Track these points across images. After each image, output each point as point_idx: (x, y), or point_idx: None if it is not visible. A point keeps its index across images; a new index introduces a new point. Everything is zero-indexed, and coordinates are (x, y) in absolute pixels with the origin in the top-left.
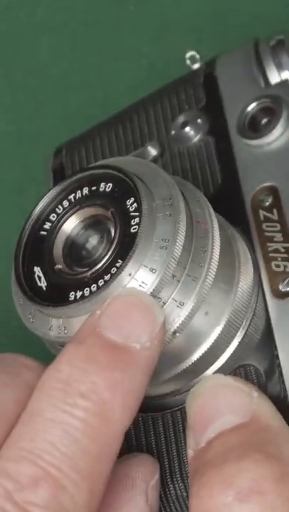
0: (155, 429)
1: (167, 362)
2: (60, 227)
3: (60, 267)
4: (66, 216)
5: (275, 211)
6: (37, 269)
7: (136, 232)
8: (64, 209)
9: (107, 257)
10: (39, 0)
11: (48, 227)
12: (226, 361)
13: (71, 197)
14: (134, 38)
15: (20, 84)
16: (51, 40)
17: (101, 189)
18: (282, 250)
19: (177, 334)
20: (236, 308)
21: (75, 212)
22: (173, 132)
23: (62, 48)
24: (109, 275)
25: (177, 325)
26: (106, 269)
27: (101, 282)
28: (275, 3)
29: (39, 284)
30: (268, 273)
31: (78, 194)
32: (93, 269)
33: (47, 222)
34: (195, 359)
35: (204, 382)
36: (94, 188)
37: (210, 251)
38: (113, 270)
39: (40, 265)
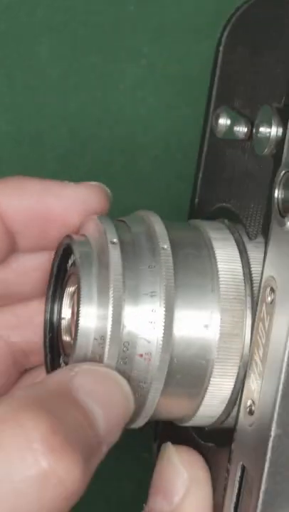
0: None
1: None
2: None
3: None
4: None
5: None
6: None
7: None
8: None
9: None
10: (39, 0)
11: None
12: None
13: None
14: (134, 38)
15: (20, 84)
16: (51, 40)
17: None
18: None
19: None
20: None
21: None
22: None
23: (62, 47)
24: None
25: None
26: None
27: None
28: None
29: None
30: None
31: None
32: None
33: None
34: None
35: (161, 450)
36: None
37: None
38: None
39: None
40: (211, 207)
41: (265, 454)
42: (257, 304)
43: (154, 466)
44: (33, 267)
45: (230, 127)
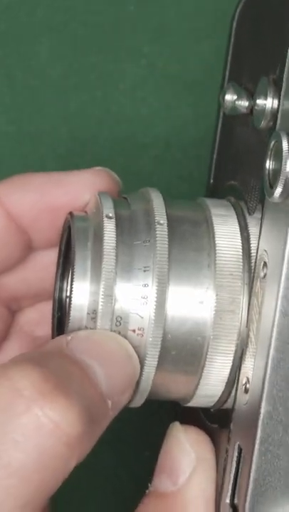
0: None
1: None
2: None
3: None
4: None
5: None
6: None
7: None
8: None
9: None
10: (39, 0)
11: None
12: None
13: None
14: (134, 38)
15: (20, 84)
16: (51, 40)
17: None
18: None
19: None
20: None
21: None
22: None
23: (62, 47)
24: None
25: None
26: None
27: None
28: None
29: None
30: None
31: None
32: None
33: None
34: None
35: (169, 429)
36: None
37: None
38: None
39: None
40: (222, 185)
41: (255, 432)
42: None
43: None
44: (51, 262)
45: (235, 101)
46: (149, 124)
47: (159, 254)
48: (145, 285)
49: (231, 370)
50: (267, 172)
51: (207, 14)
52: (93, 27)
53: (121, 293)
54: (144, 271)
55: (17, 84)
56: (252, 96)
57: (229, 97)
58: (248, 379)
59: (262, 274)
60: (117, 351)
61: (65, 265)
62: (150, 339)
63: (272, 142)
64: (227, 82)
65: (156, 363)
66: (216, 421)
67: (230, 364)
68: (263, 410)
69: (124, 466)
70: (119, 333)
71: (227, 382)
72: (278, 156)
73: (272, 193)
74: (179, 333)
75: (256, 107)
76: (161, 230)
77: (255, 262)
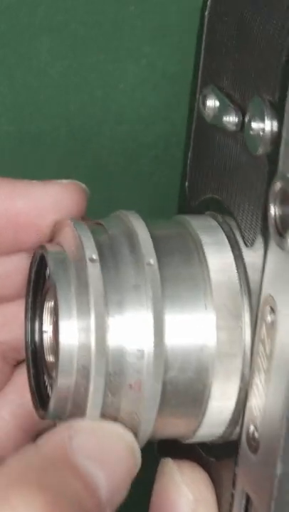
0: None
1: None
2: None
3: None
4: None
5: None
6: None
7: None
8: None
9: None
10: (39, 0)
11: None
12: None
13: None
14: (134, 38)
15: (20, 84)
16: (51, 40)
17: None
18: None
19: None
20: None
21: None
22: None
23: (62, 48)
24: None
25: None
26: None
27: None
28: None
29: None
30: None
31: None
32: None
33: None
34: None
35: (160, 465)
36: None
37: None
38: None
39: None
40: (201, 195)
41: (270, 491)
42: (256, 319)
43: (155, 469)
44: (12, 269)
45: (219, 112)
46: (149, 124)
47: (153, 303)
48: (140, 336)
49: (234, 412)
50: (273, 218)
51: None
52: (93, 27)
53: (114, 346)
54: (138, 321)
55: (17, 84)
56: (241, 111)
57: (211, 103)
58: (255, 428)
59: (269, 320)
60: (121, 451)
61: (35, 299)
62: (147, 394)
63: (278, 185)
64: (202, 81)
65: (154, 416)
66: (214, 455)
67: (234, 406)
68: (279, 472)
69: None
70: (115, 389)
71: (229, 424)
72: (287, 202)
73: (283, 244)
74: (179, 382)
75: (251, 132)
76: (153, 273)
77: (258, 304)
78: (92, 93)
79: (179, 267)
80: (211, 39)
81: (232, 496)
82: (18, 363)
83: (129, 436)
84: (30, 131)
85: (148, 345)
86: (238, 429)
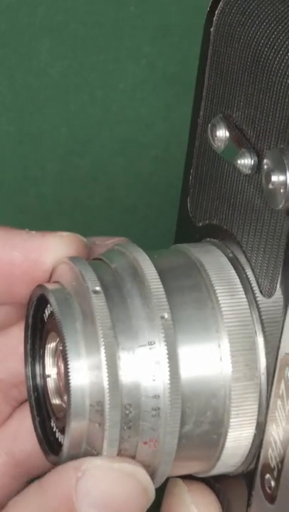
0: None
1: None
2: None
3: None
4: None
5: None
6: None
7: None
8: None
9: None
10: (39, 0)
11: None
12: None
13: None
14: (134, 38)
15: (20, 84)
16: (51, 40)
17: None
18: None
19: None
20: None
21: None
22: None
23: (62, 47)
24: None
25: None
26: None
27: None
28: None
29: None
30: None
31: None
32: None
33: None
34: None
35: (169, 485)
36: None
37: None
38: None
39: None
40: (206, 218)
41: None
42: (273, 376)
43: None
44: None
45: (231, 148)
46: (149, 124)
47: (164, 330)
48: (156, 362)
49: (248, 453)
50: None
51: None
52: (93, 27)
53: (128, 378)
54: (150, 348)
55: (17, 84)
56: (256, 153)
57: (221, 133)
58: (272, 477)
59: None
60: (133, 491)
61: (34, 346)
62: (164, 449)
63: None
64: (209, 107)
65: (169, 468)
66: (223, 485)
67: (248, 450)
68: None
69: None
70: (130, 422)
71: (244, 461)
72: None
73: None
74: (194, 435)
75: (271, 185)
76: (168, 329)
77: (276, 360)
78: (92, 93)
79: (192, 319)
80: (218, 61)
81: None
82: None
83: (141, 473)
84: (30, 131)
85: (164, 378)
86: (252, 465)
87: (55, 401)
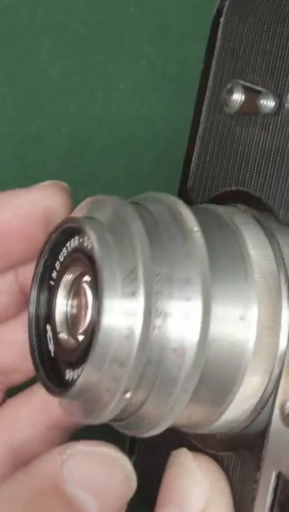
0: None
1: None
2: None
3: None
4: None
5: None
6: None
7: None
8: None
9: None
10: (39, 0)
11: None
12: None
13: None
14: (134, 38)
15: (20, 84)
16: (51, 40)
17: (85, 245)
18: None
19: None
20: None
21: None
22: None
23: (62, 47)
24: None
25: None
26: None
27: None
28: None
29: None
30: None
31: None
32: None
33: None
34: None
35: (172, 457)
36: (77, 243)
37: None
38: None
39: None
40: (214, 191)
41: None
42: None
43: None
44: (3, 289)
45: (248, 102)
46: (149, 124)
47: (201, 266)
48: (188, 301)
49: (263, 393)
50: None
51: (207, 14)
52: (93, 27)
53: (161, 314)
54: (187, 283)
55: (17, 84)
56: (278, 96)
57: (237, 96)
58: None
59: None
60: (115, 476)
61: (44, 275)
62: (190, 364)
63: None
64: (219, 81)
65: (189, 397)
66: (224, 449)
67: (265, 386)
68: None
69: None
70: (153, 361)
71: (254, 409)
72: None
73: None
74: (218, 355)
75: None
76: (198, 238)
77: None
78: (92, 93)
79: (216, 237)
80: (229, 40)
81: (256, 481)
82: (8, 389)
83: (123, 459)
84: (30, 131)
85: (197, 309)
86: (260, 417)
87: (64, 336)
